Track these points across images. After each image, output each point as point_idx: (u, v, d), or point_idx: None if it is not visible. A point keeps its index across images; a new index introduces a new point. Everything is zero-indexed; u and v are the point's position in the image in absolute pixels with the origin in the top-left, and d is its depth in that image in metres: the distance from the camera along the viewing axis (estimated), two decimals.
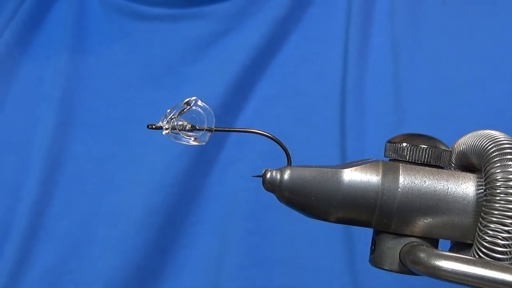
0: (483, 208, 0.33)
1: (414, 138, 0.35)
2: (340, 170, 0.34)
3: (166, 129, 0.35)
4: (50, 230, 0.59)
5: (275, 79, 0.60)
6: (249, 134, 0.37)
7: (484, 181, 0.33)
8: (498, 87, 0.58)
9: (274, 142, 0.36)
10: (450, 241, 0.37)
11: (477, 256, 0.33)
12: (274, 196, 0.35)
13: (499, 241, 0.33)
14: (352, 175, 0.34)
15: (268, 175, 0.35)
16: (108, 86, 0.62)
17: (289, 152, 0.36)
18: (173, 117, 0.35)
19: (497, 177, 0.33)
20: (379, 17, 0.60)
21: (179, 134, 0.36)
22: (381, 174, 0.34)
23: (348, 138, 0.57)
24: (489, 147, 0.34)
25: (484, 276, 0.32)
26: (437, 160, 0.35)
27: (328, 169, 0.35)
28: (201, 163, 0.58)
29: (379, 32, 0.60)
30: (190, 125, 0.36)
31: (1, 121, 0.62)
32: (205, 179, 0.58)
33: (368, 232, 0.36)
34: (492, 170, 0.33)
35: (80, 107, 0.61)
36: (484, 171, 0.34)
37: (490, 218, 0.33)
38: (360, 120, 0.57)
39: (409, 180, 0.34)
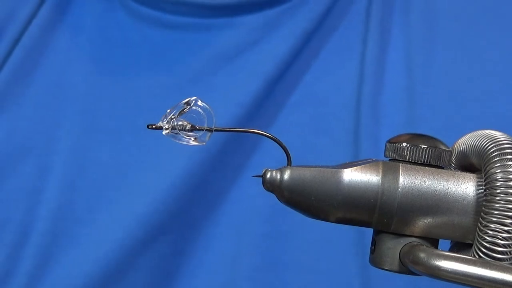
0: (483, 208, 0.33)
1: (414, 138, 0.35)
2: (340, 170, 0.34)
3: (166, 129, 0.36)
4: (72, 235, 0.59)
5: (296, 89, 0.60)
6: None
7: (484, 181, 0.33)
8: None
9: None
10: (450, 241, 0.37)
11: (477, 256, 0.33)
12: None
13: (499, 241, 0.33)
14: (352, 175, 0.34)
15: (268, 175, 0.35)
16: (132, 93, 0.62)
17: (289, 152, 0.36)
18: (173, 117, 0.36)
19: (497, 177, 0.33)
20: (395, 31, 0.61)
21: (179, 134, 0.36)
22: (381, 174, 0.34)
23: (362, 147, 0.58)
24: (489, 147, 0.34)
25: (484, 276, 0.32)
26: (437, 160, 0.35)
27: (328, 169, 0.35)
28: (220, 168, 0.59)
29: (395, 46, 0.61)
30: (190, 125, 0.36)
31: (23, 124, 0.62)
32: (223, 184, 0.59)
33: None
34: (492, 170, 0.33)
35: (103, 114, 0.61)
36: (484, 171, 0.34)
37: (490, 218, 0.33)
38: (375, 130, 0.58)
39: (409, 180, 0.34)
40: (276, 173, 0.35)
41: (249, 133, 0.37)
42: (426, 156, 0.35)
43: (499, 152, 0.33)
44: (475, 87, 0.59)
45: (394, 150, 0.35)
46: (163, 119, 0.35)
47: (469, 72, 0.59)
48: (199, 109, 0.36)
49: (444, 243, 0.36)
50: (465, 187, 0.34)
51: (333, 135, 0.59)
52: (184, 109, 0.36)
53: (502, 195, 0.33)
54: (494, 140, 0.34)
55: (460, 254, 0.33)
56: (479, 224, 0.33)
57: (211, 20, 0.62)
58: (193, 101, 0.35)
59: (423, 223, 0.34)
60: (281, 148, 0.36)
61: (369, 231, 0.36)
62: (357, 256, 0.56)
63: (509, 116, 0.58)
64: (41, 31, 0.64)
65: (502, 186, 0.33)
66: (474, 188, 0.34)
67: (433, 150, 0.35)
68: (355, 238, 0.56)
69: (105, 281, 0.58)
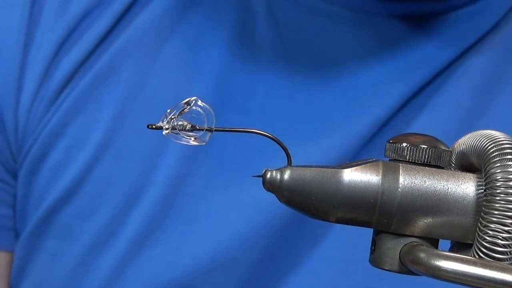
0: (483, 208, 0.33)
1: (414, 138, 0.35)
2: (340, 170, 0.34)
3: (166, 129, 0.36)
4: (184, 209, 0.55)
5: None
6: None
7: (484, 181, 0.33)
8: None
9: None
10: (450, 241, 0.37)
11: (477, 256, 0.33)
12: None
13: (499, 241, 0.33)
14: (352, 175, 0.34)
15: (268, 175, 0.35)
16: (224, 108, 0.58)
17: (289, 152, 0.36)
18: (173, 117, 0.36)
19: (497, 177, 0.33)
20: None
21: (179, 134, 0.36)
22: (381, 174, 0.34)
23: None
24: (489, 147, 0.34)
25: (484, 276, 0.32)
26: (437, 160, 0.35)
27: (328, 169, 0.35)
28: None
29: None
30: (190, 125, 0.36)
31: (157, 76, 0.58)
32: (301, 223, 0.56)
33: None
34: (492, 170, 0.33)
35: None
36: (484, 171, 0.34)
37: (490, 218, 0.33)
38: None
39: (409, 180, 0.34)
40: (276, 173, 0.35)
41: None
42: (426, 156, 0.35)
43: (499, 152, 0.33)
44: None
45: (394, 150, 0.35)
46: (163, 119, 0.35)
47: None
48: (199, 109, 0.36)
49: (444, 243, 0.36)
50: (465, 187, 0.34)
51: None
52: (184, 109, 0.36)
53: (502, 195, 0.33)
54: (494, 140, 0.34)
55: (460, 254, 0.33)
56: (479, 224, 0.33)
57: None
58: (193, 101, 0.35)
59: (423, 223, 0.34)
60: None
61: None
62: None
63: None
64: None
65: (502, 186, 0.33)
66: (474, 188, 0.34)
67: (433, 150, 0.35)
68: None
69: (212, 265, 0.54)
